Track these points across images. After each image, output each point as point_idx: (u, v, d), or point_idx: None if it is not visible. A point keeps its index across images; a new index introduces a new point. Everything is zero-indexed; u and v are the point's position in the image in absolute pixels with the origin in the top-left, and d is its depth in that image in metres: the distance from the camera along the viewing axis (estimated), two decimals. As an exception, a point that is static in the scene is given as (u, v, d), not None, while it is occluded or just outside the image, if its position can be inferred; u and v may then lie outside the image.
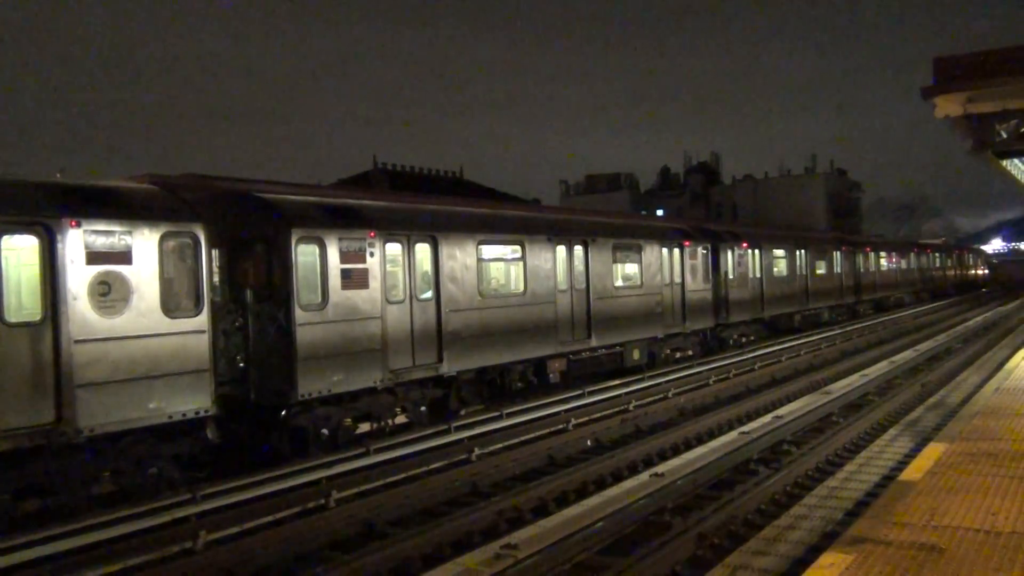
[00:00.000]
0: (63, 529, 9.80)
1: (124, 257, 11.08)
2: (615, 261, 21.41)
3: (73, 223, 10.56)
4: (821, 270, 37.51)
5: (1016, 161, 18.05)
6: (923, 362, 25.12)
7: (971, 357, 25.52)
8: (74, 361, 10.41)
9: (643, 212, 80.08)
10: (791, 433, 15.07)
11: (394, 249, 15.12)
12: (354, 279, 14.08)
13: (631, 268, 22.32)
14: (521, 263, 18.28)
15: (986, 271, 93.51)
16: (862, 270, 43.42)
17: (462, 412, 16.77)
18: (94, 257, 10.75)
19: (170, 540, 9.70)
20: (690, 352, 25.49)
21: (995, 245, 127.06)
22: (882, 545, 7.10)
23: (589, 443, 15.11)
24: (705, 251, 26.16)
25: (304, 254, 13.46)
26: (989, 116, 13.51)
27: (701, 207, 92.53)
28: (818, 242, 38.93)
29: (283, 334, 13.05)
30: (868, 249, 45.38)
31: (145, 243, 11.30)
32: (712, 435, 15.24)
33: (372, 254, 14.43)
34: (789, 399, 18.69)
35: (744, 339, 29.57)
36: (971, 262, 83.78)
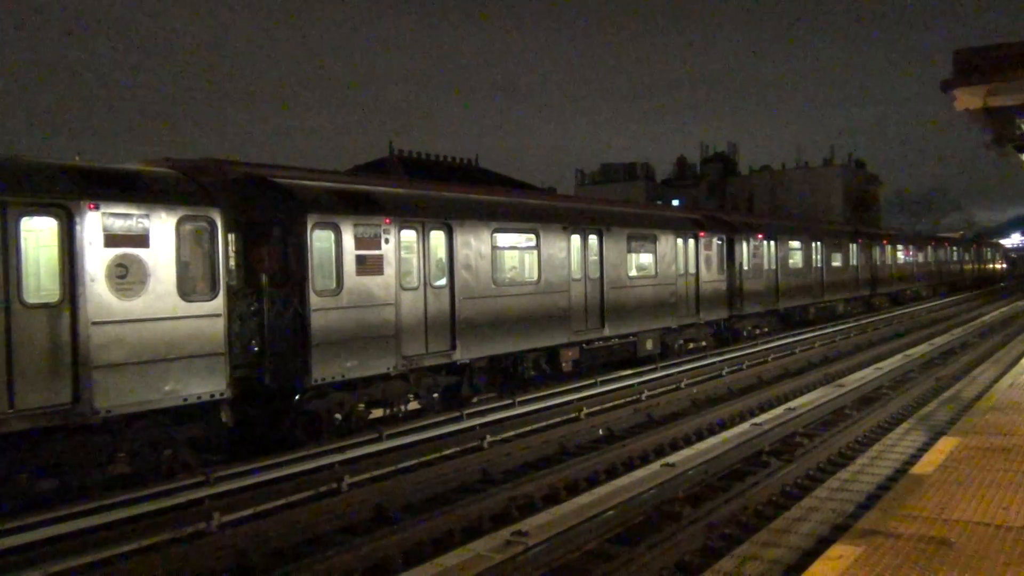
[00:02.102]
0: (78, 509, 9.93)
1: (142, 240, 11.16)
2: (630, 251, 21.38)
3: (92, 205, 10.64)
4: (837, 262, 37.31)
5: (1036, 155, 17.86)
6: (938, 356, 24.99)
7: (987, 352, 25.36)
8: (91, 343, 10.52)
9: (659, 202, 79.84)
10: (803, 425, 15.05)
11: (409, 236, 15.16)
12: (369, 265, 14.14)
13: (645, 258, 22.29)
14: (535, 252, 18.29)
15: (1004, 265, 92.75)
16: (878, 263, 43.16)
17: (474, 399, 16.83)
18: (112, 240, 10.83)
19: (184, 521, 9.81)
20: (703, 343, 25.46)
21: (1014, 240, 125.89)
22: (891, 538, 7.11)
23: (601, 432, 15.14)
24: (720, 242, 26.08)
25: (319, 240, 13.51)
26: (1010, 109, 13.38)
27: (717, 198, 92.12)
28: (834, 234, 38.70)
29: (298, 319, 13.12)
30: (885, 242, 45.09)
31: (162, 226, 11.38)
32: (724, 426, 15.24)
33: (387, 241, 14.47)
34: (802, 391, 18.65)
35: (758, 331, 29.49)
36: (989, 256, 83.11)
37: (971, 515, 7.69)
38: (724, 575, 7.83)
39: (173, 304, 11.43)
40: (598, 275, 20.09)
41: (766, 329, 30.09)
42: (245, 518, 10.19)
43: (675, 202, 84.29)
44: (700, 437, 14.39)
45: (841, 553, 6.80)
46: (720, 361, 22.83)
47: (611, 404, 17.12)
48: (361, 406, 14.43)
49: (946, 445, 10.57)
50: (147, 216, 11.23)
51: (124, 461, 11.49)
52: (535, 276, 18.26)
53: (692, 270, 24.23)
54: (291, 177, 14.61)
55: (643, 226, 22.31)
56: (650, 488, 11.01)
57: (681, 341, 24.31)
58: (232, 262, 12.94)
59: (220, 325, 11.97)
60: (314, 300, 13.21)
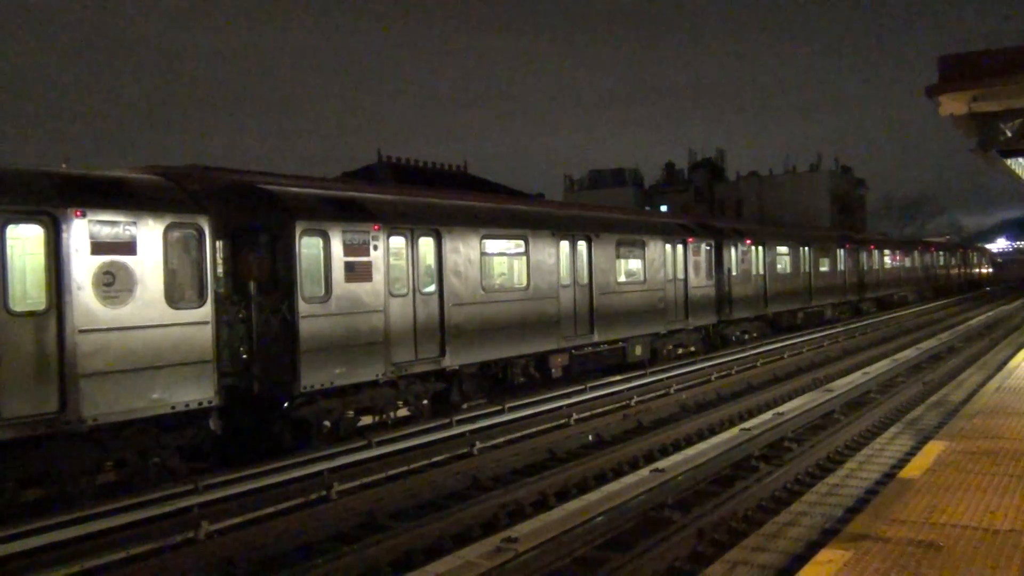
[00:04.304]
0: (66, 518, 9.87)
1: (129, 247, 11.12)
2: (618, 256, 21.43)
3: (78, 213, 10.60)
4: (824, 267, 37.48)
5: (1021, 160, 17.99)
6: (925, 360, 25.11)
7: (973, 356, 25.50)
8: (78, 350, 10.46)
9: (647, 208, 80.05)
10: (792, 430, 15.08)
11: (398, 242, 15.15)
12: (357, 272, 14.11)
13: (634, 264, 22.34)
14: (524, 258, 18.30)
15: (990, 270, 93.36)
16: (866, 268, 43.38)
17: (464, 406, 16.81)
18: (99, 247, 10.78)
19: (172, 530, 9.74)
20: (692, 348, 25.50)
21: (1000, 244, 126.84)
22: (880, 542, 7.13)
23: (590, 438, 15.14)
24: (708, 247, 26.16)
25: (308, 247, 13.48)
26: (994, 115, 13.47)
27: (705, 203, 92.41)
28: (822, 239, 38.90)
29: (286, 326, 13.08)
30: (872, 247, 45.33)
31: (150, 234, 11.34)
32: (713, 431, 15.26)
33: (376, 247, 14.45)
34: (791, 396, 18.70)
35: (747, 336, 29.57)
36: (975, 261, 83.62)
37: (959, 519, 7.72)
38: (714, 580, 7.83)
39: (161, 311, 11.38)
40: (587, 281, 20.11)
41: (755, 334, 30.17)
42: (234, 526, 10.14)
43: (663, 208, 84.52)
44: (690, 442, 14.41)
45: (830, 558, 6.82)
46: (709, 366, 22.88)
47: (600, 410, 17.13)
48: (350, 413, 14.39)
49: (934, 449, 10.62)
50: (134, 223, 11.18)
51: (112, 470, 11.43)
52: (524, 282, 18.27)
53: (681, 276, 24.29)
54: (279, 184, 14.60)
55: (632, 232, 22.36)
56: (640, 494, 11.02)
57: (670, 346, 24.36)
58: (220, 269, 12.89)
59: (208, 332, 11.93)
60: (302, 307, 13.18)
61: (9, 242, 10.19)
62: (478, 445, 13.85)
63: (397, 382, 15.05)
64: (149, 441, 11.60)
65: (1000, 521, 7.63)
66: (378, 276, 14.44)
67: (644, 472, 12.29)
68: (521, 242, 18.25)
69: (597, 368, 20.92)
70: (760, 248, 30.45)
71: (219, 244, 12.73)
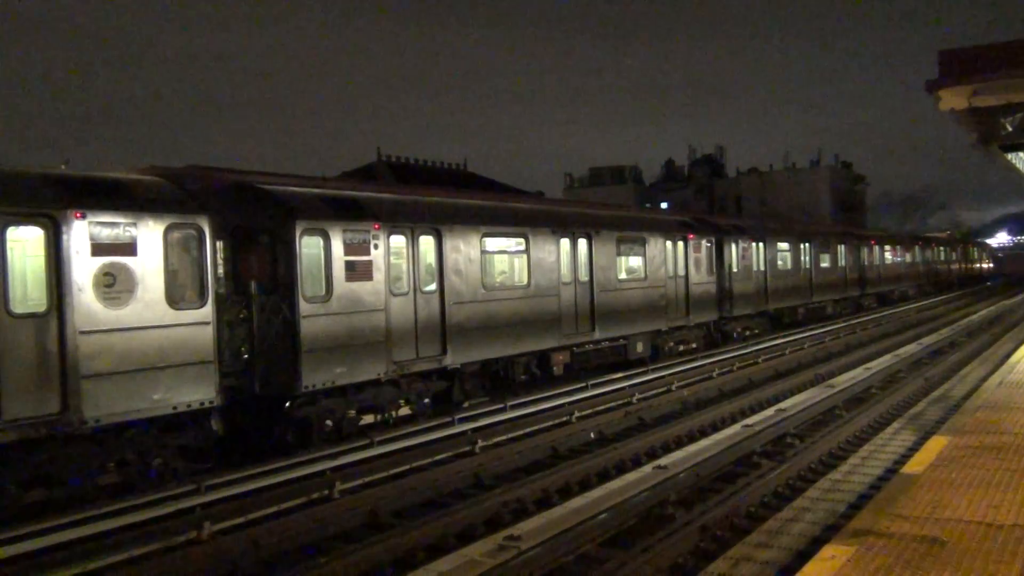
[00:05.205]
0: (68, 519, 9.87)
1: (129, 248, 11.11)
2: (619, 254, 21.42)
3: (78, 214, 10.59)
4: (825, 263, 37.46)
5: (1021, 155, 18.00)
6: (927, 356, 25.10)
7: (975, 351, 25.49)
8: (79, 352, 10.45)
9: (647, 205, 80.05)
10: (794, 426, 15.07)
11: (398, 241, 15.14)
12: (358, 271, 14.10)
13: (635, 261, 22.33)
14: (525, 256, 18.29)
15: (991, 265, 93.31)
16: (866, 263, 43.35)
17: (466, 404, 16.80)
18: (99, 248, 10.77)
19: (175, 530, 9.74)
20: (694, 345, 25.50)
21: (1000, 239, 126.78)
22: (883, 538, 7.13)
23: (592, 435, 15.14)
24: (709, 244, 26.15)
25: (308, 246, 13.47)
26: (994, 110, 13.47)
27: (705, 200, 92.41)
28: (822, 235, 38.87)
29: (287, 326, 13.08)
30: (872, 242, 45.30)
31: (150, 235, 11.33)
32: (715, 428, 15.26)
33: (376, 246, 14.44)
34: (792, 392, 18.69)
35: (748, 332, 29.56)
36: (976, 256, 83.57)
37: (962, 514, 7.72)
38: (717, 577, 7.82)
39: (162, 312, 11.38)
40: (588, 278, 20.11)
41: (756, 330, 30.16)
42: (237, 526, 10.14)
43: (663, 205, 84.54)
44: (692, 439, 14.40)
45: (833, 553, 6.82)
46: (710, 363, 22.88)
47: (602, 407, 17.13)
48: (352, 412, 14.38)
49: (936, 444, 10.61)
50: (134, 224, 11.17)
51: (114, 471, 11.42)
52: (525, 280, 18.26)
53: (682, 272, 24.28)
54: (279, 184, 14.57)
55: (632, 229, 22.35)
56: (643, 491, 11.01)
57: (671, 343, 24.35)
58: (221, 269, 12.88)
59: (209, 333, 11.92)
60: (303, 307, 13.17)
61: (9, 244, 10.18)
62: (480, 443, 13.85)
63: (399, 381, 15.05)
64: (151, 442, 11.59)
65: (1004, 516, 7.62)
66: (379, 275, 14.44)
67: (647, 469, 12.28)
68: (522, 240, 18.25)
69: (598, 365, 20.90)
70: (761, 244, 30.43)
71: (219, 244, 12.72)
